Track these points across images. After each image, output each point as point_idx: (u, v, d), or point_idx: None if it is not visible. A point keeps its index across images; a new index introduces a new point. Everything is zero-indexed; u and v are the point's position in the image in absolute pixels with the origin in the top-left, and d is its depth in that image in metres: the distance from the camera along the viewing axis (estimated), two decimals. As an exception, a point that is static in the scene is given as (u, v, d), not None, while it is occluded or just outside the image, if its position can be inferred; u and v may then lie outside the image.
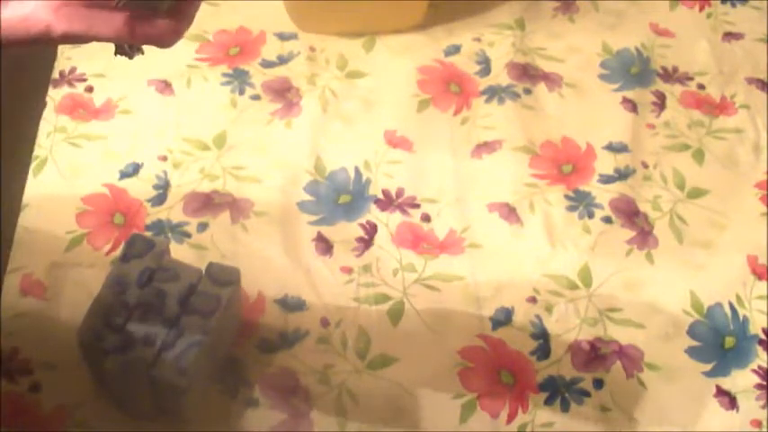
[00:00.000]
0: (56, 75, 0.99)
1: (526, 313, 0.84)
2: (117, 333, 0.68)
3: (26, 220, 0.86)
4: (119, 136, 0.94)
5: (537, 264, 0.87)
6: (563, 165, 0.96)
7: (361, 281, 0.85)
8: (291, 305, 0.83)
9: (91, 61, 1.00)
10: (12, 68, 1.00)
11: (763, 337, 0.84)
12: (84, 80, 0.98)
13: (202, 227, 0.87)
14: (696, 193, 0.95)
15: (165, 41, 0.46)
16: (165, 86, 0.98)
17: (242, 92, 0.99)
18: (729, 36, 1.12)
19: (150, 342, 0.68)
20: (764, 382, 0.81)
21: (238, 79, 1.00)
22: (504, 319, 0.83)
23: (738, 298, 0.87)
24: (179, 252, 0.81)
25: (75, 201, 0.88)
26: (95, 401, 0.75)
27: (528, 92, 1.03)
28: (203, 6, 1.28)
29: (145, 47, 0.47)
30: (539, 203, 0.92)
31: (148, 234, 0.85)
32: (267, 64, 1.03)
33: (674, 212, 0.93)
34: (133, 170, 0.91)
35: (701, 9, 1.16)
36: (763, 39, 1.12)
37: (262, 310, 0.82)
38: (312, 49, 1.05)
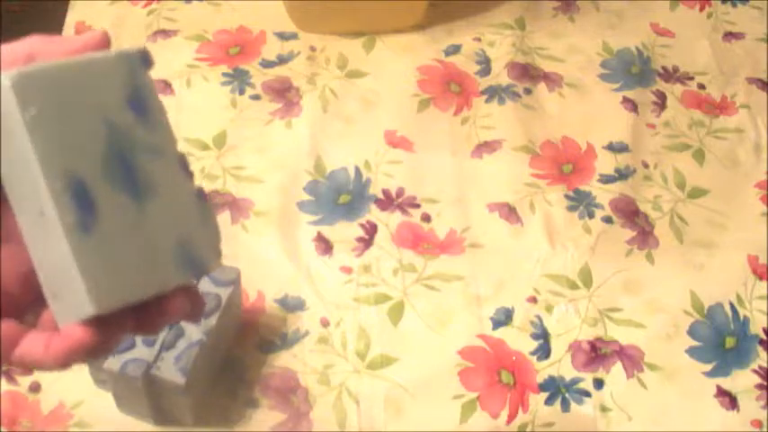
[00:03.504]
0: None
1: (526, 313, 0.84)
2: (117, 333, 0.68)
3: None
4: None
5: (537, 264, 0.87)
6: (563, 164, 0.96)
7: (361, 281, 0.85)
8: (291, 305, 0.83)
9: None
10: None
11: (763, 337, 0.84)
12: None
13: (202, 227, 0.87)
14: (696, 193, 0.95)
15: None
16: (165, 86, 0.98)
17: (242, 92, 0.99)
18: (730, 36, 1.12)
19: (150, 342, 0.68)
20: (765, 383, 0.81)
21: (238, 79, 1.00)
22: (504, 319, 0.83)
23: (739, 298, 0.87)
24: (179, 252, 0.81)
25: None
26: (95, 401, 0.75)
27: (528, 92, 1.03)
28: (203, 6, 1.29)
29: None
30: (539, 203, 0.92)
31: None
32: (267, 64, 1.03)
33: (675, 212, 0.93)
34: (133, 170, 0.91)
35: (702, 9, 1.15)
36: (763, 38, 1.12)
37: (262, 310, 0.82)
38: (312, 48, 1.05)
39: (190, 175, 0.39)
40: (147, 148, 0.37)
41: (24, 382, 0.76)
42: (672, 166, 0.97)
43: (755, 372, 0.82)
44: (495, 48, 1.07)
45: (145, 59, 0.38)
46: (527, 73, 1.05)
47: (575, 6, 1.14)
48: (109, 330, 0.36)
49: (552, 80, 1.04)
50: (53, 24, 1.08)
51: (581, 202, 0.93)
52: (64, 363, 0.36)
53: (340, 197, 0.91)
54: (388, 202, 0.91)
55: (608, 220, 0.91)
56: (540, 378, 0.80)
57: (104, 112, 0.36)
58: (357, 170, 0.93)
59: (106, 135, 0.35)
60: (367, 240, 0.88)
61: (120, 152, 0.36)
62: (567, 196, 0.93)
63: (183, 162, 0.38)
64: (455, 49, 1.07)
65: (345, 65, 1.04)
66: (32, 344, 0.36)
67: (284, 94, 1.00)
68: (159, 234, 0.37)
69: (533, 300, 0.85)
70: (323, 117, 0.98)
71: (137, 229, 0.36)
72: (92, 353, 0.36)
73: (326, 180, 0.92)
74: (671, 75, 1.07)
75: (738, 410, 0.79)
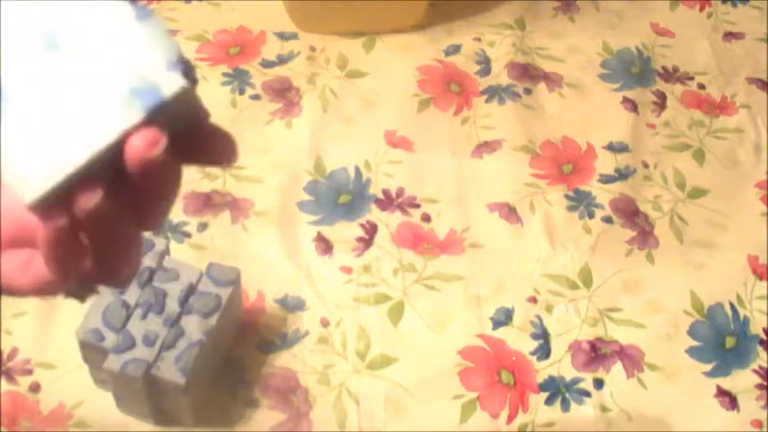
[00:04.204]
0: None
1: (526, 313, 0.84)
2: (117, 333, 0.68)
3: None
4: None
5: (537, 264, 0.87)
6: (563, 164, 0.96)
7: (361, 281, 0.85)
8: (291, 305, 0.83)
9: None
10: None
11: (763, 337, 0.84)
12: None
13: (202, 227, 0.87)
14: (696, 193, 0.95)
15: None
16: (165, 86, 0.98)
17: (242, 92, 0.99)
18: (730, 36, 1.12)
19: (150, 342, 0.68)
20: (765, 383, 0.81)
21: (238, 79, 1.00)
22: (504, 319, 0.83)
23: (739, 298, 0.87)
24: (179, 252, 0.81)
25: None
26: (95, 401, 0.75)
27: (528, 92, 1.03)
28: (203, 6, 1.28)
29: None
30: (539, 203, 0.92)
31: (148, 234, 0.85)
32: (267, 64, 1.03)
33: (675, 212, 0.93)
34: (133, 170, 0.91)
35: (702, 9, 1.15)
36: (763, 38, 1.12)
37: (262, 310, 0.82)
38: (312, 48, 1.05)
39: (121, 4, 0.32)
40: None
41: (24, 382, 0.76)
42: (672, 166, 0.97)
43: (755, 372, 0.82)
44: (495, 48, 1.07)
45: None
46: (527, 73, 1.05)
47: (575, 6, 1.14)
48: (76, 204, 0.30)
49: (552, 80, 1.04)
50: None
51: (581, 202, 0.93)
52: (55, 261, 0.31)
53: (340, 197, 0.91)
54: (388, 202, 0.91)
55: (608, 220, 0.91)
56: (540, 378, 0.80)
57: None
58: (357, 170, 0.93)
59: None
60: (367, 240, 0.88)
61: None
62: (567, 196, 0.93)
63: None
64: (455, 49, 1.07)
65: (345, 65, 1.04)
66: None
67: (284, 94, 1.00)
68: (90, 80, 0.31)
69: (533, 300, 0.85)
70: (323, 117, 0.98)
71: (59, 85, 0.31)
72: (70, 239, 0.30)
73: (326, 180, 0.92)
74: (671, 75, 1.07)
75: (738, 410, 0.79)
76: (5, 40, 0.31)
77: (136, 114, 0.30)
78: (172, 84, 0.30)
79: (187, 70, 0.31)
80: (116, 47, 0.31)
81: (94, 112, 0.30)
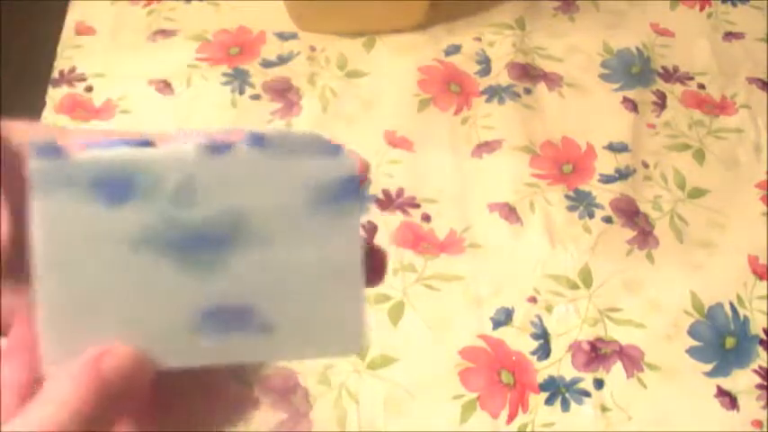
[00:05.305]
0: (55, 74, 0.99)
1: (526, 313, 0.84)
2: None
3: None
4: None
5: (537, 264, 0.87)
6: (563, 164, 0.96)
7: (361, 281, 0.85)
8: (291, 305, 0.83)
9: (91, 61, 1.00)
10: (11, 67, 1.00)
11: (763, 337, 0.84)
12: (84, 80, 0.98)
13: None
14: (697, 193, 0.95)
15: None
16: (165, 86, 0.98)
17: (242, 91, 0.99)
18: (730, 36, 1.12)
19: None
20: (765, 383, 0.81)
21: (238, 79, 1.00)
22: (504, 319, 0.83)
23: (739, 298, 0.87)
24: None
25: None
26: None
27: (528, 91, 1.03)
28: (203, 6, 1.28)
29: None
30: (539, 203, 0.92)
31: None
32: (267, 64, 1.03)
33: (675, 212, 0.93)
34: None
35: (702, 9, 1.15)
36: (763, 38, 1.12)
37: (262, 309, 0.82)
38: (312, 48, 1.05)
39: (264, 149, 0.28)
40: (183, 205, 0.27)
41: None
42: (672, 166, 0.97)
43: (755, 372, 0.82)
44: (495, 48, 1.07)
45: (48, 150, 0.25)
46: (527, 73, 1.05)
47: (575, 6, 1.14)
48: None
49: (552, 80, 1.04)
50: (53, 24, 1.08)
51: (581, 202, 0.93)
52: None
53: (340, 197, 0.91)
54: (388, 202, 0.91)
55: (608, 220, 0.91)
56: (540, 378, 0.80)
57: (110, 236, 0.26)
58: (357, 170, 0.93)
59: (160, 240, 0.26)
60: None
61: (175, 242, 0.26)
62: (567, 196, 0.93)
63: (213, 146, 0.27)
64: (455, 49, 1.07)
65: (345, 65, 1.04)
66: None
67: (284, 94, 1.00)
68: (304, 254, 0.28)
69: (533, 300, 0.85)
70: (323, 117, 0.98)
71: (284, 264, 0.28)
72: None
73: (326, 180, 0.92)
74: (671, 75, 1.07)
75: (738, 410, 0.79)
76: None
77: (359, 212, 0.29)
78: (347, 163, 0.28)
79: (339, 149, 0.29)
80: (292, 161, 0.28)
81: (323, 239, 0.28)
